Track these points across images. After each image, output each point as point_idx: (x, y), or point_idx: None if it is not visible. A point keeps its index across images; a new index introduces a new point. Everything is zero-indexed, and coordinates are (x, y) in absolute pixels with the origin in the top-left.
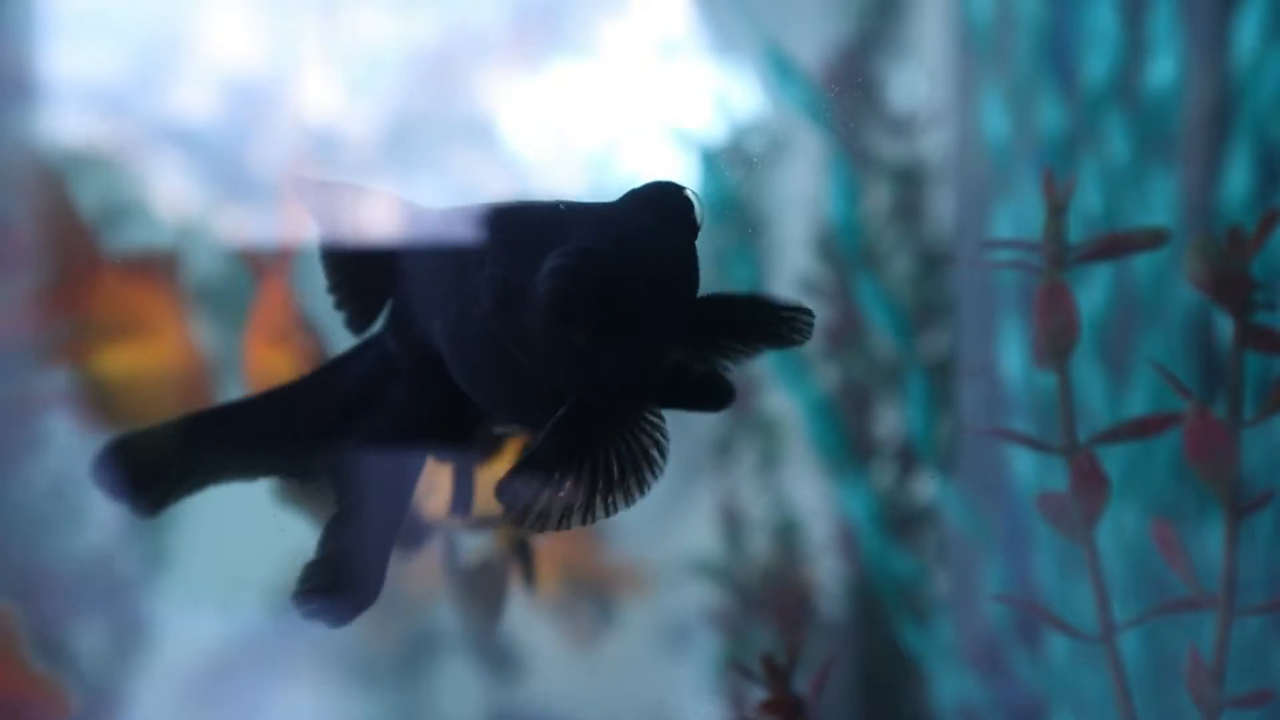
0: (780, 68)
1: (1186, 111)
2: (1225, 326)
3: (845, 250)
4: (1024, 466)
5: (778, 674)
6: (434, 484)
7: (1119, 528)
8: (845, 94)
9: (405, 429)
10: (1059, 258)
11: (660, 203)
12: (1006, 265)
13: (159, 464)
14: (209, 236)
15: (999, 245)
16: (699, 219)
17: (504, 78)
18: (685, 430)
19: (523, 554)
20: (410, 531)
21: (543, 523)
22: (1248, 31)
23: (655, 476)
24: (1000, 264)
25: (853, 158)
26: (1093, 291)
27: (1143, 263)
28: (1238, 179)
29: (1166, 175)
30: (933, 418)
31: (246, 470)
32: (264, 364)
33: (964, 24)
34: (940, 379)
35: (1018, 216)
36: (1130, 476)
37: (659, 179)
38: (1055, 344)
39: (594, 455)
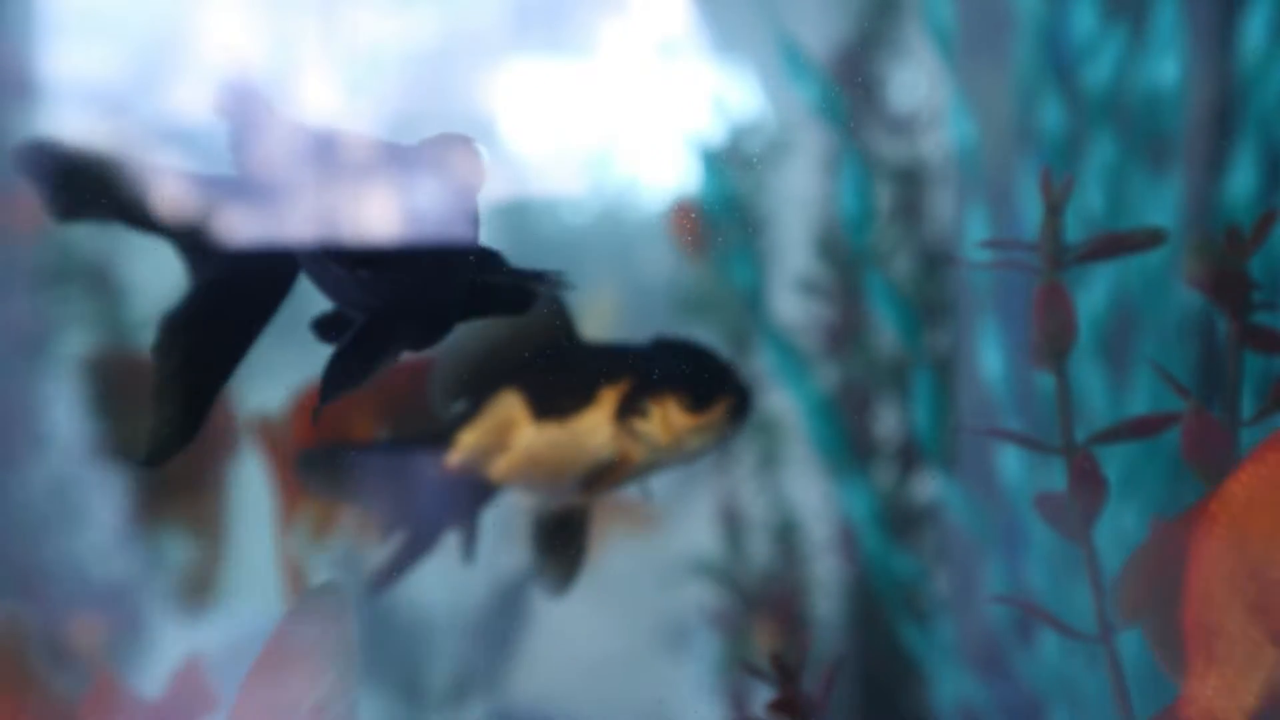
0: (793, 61)
1: (1190, 112)
2: (1225, 326)
3: (855, 246)
4: (1012, 466)
5: (788, 673)
6: (502, 443)
7: (1118, 528)
8: (845, 94)
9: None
10: (1056, 258)
11: (443, 149)
12: (1009, 266)
13: (81, 177)
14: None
15: (998, 246)
16: (481, 169)
17: (504, 78)
18: None
19: (581, 518)
20: (452, 508)
21: None
22: (1253, 31)
23: None
24: (1002, 265)
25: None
26: (1092, 292)
27: (1143, 262)
28: (1242, 180)
29: (1169, 176)
30: (938, 416)
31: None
32: None
33: (927, 26)
34: (941, 378)
35: (993, 219)
36: (1130, 476)
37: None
38: (1053, 345)
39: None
